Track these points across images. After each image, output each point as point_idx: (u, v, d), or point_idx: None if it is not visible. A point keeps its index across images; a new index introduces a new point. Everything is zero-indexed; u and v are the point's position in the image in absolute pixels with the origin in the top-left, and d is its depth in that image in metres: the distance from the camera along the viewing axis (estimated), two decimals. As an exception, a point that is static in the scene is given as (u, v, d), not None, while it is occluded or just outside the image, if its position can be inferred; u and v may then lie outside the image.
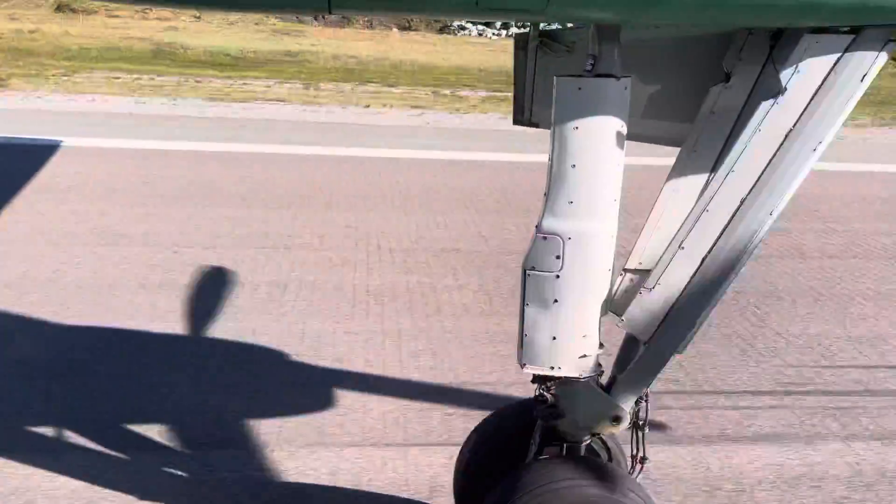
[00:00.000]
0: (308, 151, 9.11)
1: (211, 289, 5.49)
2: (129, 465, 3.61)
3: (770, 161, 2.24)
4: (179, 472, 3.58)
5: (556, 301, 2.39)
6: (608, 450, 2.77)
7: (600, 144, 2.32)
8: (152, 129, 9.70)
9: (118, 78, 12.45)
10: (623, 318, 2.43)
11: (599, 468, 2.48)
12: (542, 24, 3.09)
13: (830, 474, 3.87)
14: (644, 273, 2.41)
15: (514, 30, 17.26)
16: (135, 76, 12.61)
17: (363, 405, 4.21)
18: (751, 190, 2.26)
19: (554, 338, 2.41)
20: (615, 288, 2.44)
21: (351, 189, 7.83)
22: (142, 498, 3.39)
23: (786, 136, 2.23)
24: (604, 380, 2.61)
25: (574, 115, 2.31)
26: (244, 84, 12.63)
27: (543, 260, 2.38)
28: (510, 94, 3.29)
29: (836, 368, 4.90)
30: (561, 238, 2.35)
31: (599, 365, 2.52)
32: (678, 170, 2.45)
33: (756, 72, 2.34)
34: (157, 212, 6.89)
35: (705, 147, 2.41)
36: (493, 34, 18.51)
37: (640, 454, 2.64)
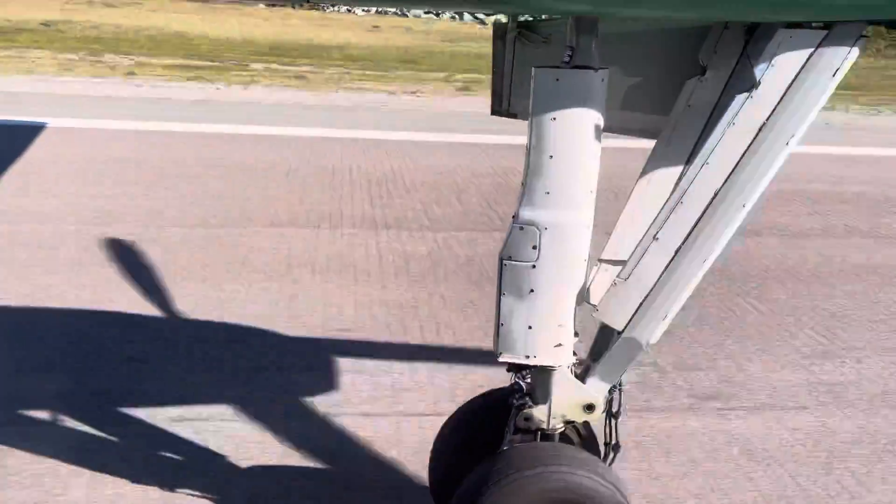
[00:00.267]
0: None
1: None
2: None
3: (743, 154, 2.28)
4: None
5: (532, 291, 2.42)
6: (581, 438, 2.80)
7: (578, 135, 2.35)
8: None
9: None
10: (598, 307, 2.46)
11: (571, 454, 2.51)
12: (520, 16, 3.11)
13: None
14: (619, 263, 2.44)
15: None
16: None
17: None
18: (724, 182, 2.30)
19: (530, 327, 2.44)
20: (590, 278, 2.47)
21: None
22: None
23: (759, 129, 2.26)
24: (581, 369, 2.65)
25: (551, 106, 2.33)
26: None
27: (520, 250, 2.41)
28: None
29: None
30: (538, 228, 2.38)
31: (575, 354, 2.55)
32: (653, 161, 2.49)
33: (731, 66, 2.38)
34: None
35: (680, 139, 2.45)
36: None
37: (614, 442, 2.68)
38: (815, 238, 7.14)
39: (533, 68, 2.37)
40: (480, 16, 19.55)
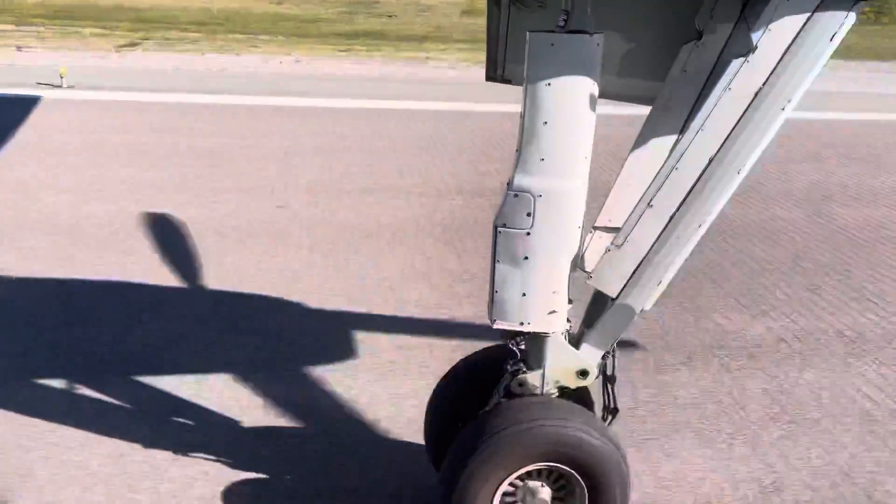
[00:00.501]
0: None
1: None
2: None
3: (739, 120, 2.26)
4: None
5: (526, 258, 2.41)
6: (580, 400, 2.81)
7: (572, 101, 2.33)
8: None
9: None
10: (592, 274, 2.46)
11: (567, 408, 2.53)
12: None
13: None
14: (613, 230, 2.44)
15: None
16: None
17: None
18: (719, 149, 2.29)
19: (524, 294, 2.44)
20: (585, 245, 2.46)
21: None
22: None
23: (755, 94, 2.24)
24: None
25: (546, 71, 2.31)
26: None
27: (514, 217, 2.40)
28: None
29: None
30: (532, 195, 2.37)
31: (568, 320, 2.55)
32: (649, 128, 2.47)
33: (728, 30, 2.35)
34: None
35: (676, 105, 2.43)
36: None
37: (612, 405, 2.69)
38: None
39: (527, 33, 2.35)
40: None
